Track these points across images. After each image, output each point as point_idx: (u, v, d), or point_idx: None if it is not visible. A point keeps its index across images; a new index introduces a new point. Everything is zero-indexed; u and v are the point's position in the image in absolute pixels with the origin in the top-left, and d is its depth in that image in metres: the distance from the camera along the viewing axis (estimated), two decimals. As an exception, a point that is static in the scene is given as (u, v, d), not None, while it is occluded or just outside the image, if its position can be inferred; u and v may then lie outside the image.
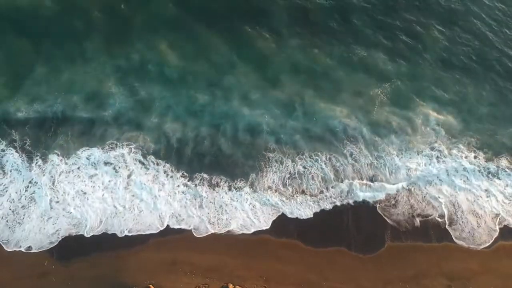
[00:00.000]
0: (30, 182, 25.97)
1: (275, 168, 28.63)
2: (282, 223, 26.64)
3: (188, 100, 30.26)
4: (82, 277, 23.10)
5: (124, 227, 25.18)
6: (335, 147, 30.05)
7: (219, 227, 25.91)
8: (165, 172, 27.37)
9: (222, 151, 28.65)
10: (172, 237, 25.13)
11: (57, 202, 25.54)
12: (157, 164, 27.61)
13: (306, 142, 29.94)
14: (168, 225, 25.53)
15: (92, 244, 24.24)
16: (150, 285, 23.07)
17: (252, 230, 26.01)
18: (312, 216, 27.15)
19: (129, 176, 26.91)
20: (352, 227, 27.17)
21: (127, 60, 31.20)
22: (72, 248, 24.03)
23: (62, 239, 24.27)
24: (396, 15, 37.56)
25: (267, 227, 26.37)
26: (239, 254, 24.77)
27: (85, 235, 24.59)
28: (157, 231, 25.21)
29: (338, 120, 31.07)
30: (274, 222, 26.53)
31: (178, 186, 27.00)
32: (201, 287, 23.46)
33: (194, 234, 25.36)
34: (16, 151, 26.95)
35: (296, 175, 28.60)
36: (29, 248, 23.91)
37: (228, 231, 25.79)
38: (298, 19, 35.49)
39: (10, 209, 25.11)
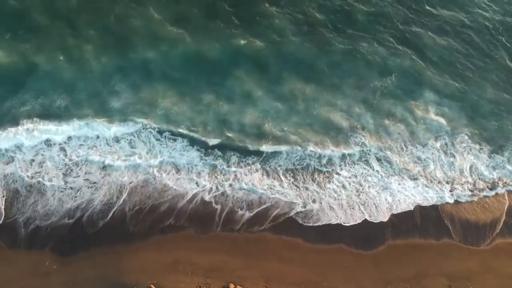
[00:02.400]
0: (35, 154, 25.76)
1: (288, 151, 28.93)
2: (284, 220, 26.67)
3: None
4: (83, 277, 23.14)
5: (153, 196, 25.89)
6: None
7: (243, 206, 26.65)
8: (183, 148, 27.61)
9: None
10: (172, 235, 25.05)
11: (77, 176, 25.68)
12: (174, 140, 27.72)
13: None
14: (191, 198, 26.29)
15: (93, 244, 24.18)
16: (152, 285, 23.14)
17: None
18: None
19: (148, 150, 27.07)
20: (352, 227, 27.21)
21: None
22: (74, 247, 23.97)
23: (62, 239, 24.22)
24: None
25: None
26: (239, 253, 24.80)
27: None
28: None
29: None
30: (274, 218, 26.59)
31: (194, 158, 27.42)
32: (202, 287, 23.55)
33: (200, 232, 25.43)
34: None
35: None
36: (38, 227, 24.08)
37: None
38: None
39: (20, 178, 25.08)
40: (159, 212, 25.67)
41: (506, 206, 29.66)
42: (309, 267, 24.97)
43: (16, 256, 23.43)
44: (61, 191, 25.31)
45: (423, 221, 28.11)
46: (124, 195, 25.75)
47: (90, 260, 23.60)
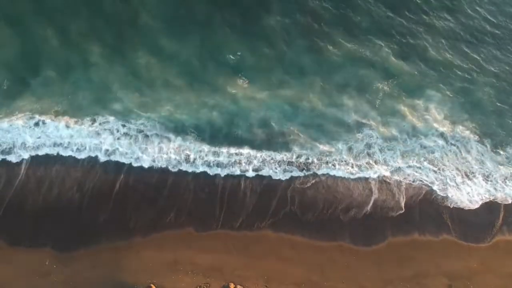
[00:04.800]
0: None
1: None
2: (283, 217, 26.62)
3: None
4: (83, 277, 23.11)
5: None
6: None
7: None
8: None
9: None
10: (172, 233, 24.94)
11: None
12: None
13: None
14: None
15: (93, 243, 24.09)
16: (152, 285, 23.16)
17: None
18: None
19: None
20: (353, 223, 27.19)
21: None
22: (74, 247, 23.90)
23: (62, 237, 24.11)
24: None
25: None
26: (239, 253, 24.75)
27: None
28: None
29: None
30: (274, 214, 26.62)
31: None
32: (202, 287, 23.58)
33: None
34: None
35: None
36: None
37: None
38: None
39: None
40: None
41: (503, 203, 29.69)
42: (309, 266, 24.95)
43: (16, 255, 23.33)
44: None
45: (423, 218, 28.10)
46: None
47: (90, 259, 23.56)
